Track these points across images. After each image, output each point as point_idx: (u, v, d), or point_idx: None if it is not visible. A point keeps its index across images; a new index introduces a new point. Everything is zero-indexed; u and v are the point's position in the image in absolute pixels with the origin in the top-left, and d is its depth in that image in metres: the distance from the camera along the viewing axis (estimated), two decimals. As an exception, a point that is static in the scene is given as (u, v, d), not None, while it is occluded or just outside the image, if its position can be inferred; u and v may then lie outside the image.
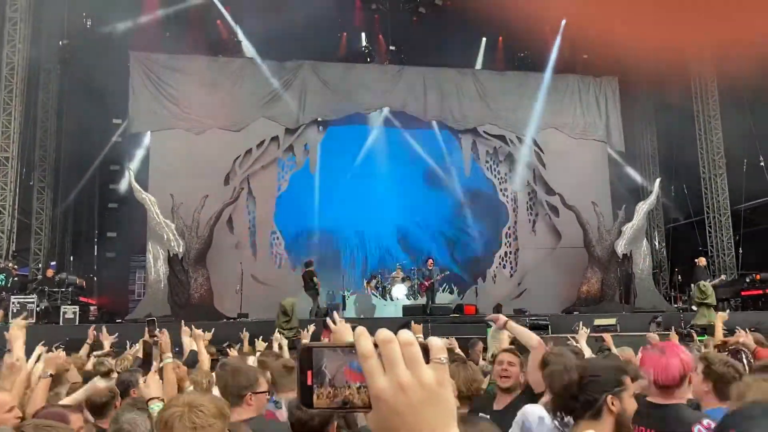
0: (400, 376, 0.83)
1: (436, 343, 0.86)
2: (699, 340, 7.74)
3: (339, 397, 0.88)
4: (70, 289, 15.10)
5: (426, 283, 16.76)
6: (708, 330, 8.60)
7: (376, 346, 0.85)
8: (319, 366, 0.88)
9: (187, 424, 2.30)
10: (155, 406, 3.04)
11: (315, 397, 0.88)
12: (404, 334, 0.86)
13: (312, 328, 7.81)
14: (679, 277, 19.55)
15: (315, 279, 15.99)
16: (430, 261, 17.36)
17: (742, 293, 17.39)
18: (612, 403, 2.45)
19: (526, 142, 20.29)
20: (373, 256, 20.23)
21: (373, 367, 0.84)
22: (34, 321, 12.87)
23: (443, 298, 18.21)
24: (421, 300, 17.23)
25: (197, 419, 2.32)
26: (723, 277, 17.13)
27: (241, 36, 19.62)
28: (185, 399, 2.45)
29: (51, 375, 4.11)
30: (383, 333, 0.85)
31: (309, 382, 0.88)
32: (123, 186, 18.32)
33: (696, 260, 16.10)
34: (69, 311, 14.14)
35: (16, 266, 15.21)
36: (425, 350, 0.86)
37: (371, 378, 0.84)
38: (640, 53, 16.99)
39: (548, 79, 20.41)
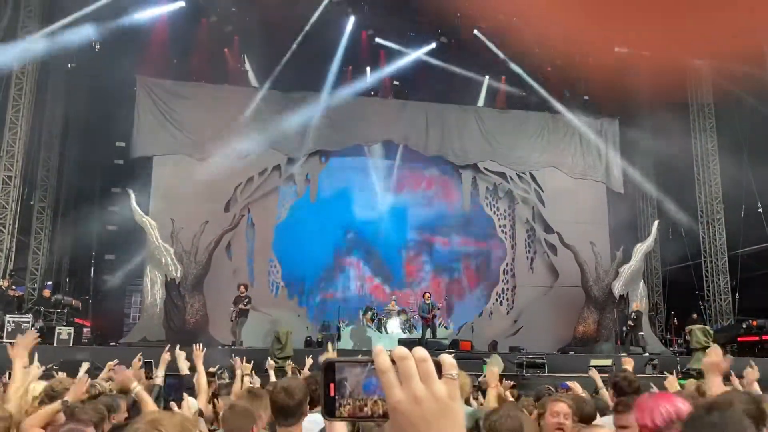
0: (415, 389, 0.91)
1: (448, 360, 0.94)
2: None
3: (358, 408, 0.95)
4: (65, 311, 15.06)
5: (429, 317, 16.68)
6: (700, 374, 8.58)
7: (393, 362, 0.92)
8: (341, 379, 0.96)
9: None
10: None
11: (337, 407, 0.96)
12: (419, 351, 0.93)
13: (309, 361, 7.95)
14: (675, 320, 19.53)
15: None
16: (427, 294, 17.37)
17: (739, 339, 17.33)
18: None
19: (526, 180, 20.48)
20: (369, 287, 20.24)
21: (391, 380, 0.91)
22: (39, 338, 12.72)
23: (438, 333, 18.13)
24: (417, 334, 17.20)
25: None
26: None
27: (247, 65, 19.92)
28: (149, 416, 2.52)
29: (66, 402, 3.88)
30: (400, 350, 0.93)
31: (331, 394, 0.96)
32: (123, 208, 18.33)
33: None
34: (64, 332, 14.06)
35: (13, 286, 15.21)
36: (438, 366, 0.93)
37: (389, 390, 0.91)
38: (641, 81, 17.20)
39: (549, 119, 20.69)
